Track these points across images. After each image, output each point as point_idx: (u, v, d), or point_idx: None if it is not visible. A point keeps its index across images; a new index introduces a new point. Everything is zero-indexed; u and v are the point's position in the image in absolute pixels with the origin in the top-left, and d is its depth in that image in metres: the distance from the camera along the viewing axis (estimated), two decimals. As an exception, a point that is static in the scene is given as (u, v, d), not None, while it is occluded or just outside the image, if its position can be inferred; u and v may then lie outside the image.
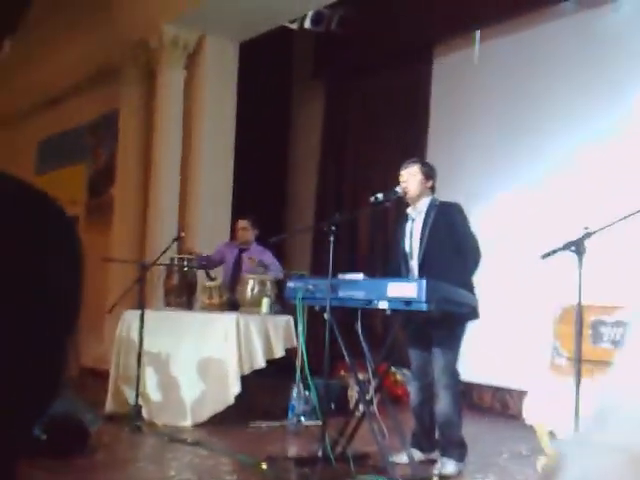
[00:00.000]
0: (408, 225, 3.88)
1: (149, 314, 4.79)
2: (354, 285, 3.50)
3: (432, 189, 3.87)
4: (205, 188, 6.87)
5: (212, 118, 6.92)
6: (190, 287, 5.27)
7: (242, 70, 7.09)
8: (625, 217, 2.29)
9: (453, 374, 3.66)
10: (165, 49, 6.83)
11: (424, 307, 3.15)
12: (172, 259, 5.29)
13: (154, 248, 6.17)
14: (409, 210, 3.88)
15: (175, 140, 6.86)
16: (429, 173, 3.84)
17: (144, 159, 7.10)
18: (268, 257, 5.44)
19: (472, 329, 3.76)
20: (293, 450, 4.17)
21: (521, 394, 5.41)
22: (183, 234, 5.28)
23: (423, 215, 3.80)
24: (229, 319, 4.79)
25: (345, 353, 3.69)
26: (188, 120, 6.90)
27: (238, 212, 6.24)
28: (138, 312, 4.68)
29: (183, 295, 5.21)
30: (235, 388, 4.62)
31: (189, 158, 6.90)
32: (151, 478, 3.39)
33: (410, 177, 3.79)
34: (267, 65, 7.38)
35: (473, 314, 3.62)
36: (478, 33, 6.33)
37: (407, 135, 6.86)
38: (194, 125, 6.94)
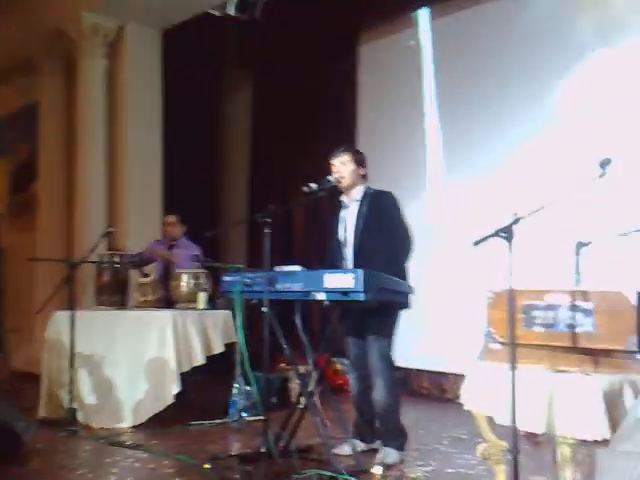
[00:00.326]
0: (342, 214, 3.87)
1: (80, 314, 4.62)
2: (291, 277, 3.47)
3: (365, 177, 3.86)
4: (133, 182, 6.69)
5: (137, 108, 6.73)
6: (122, 285, 5.11)
7: (168, 59, 6.91)
8: (551, 203, 2.32)
9: (389, 362, 3.68)
10: (85, 38, 6.60)
11: (362, 297, 3.15)
12: (102, 256, 5.12)
13: (82, 245, 5.98)
14: (343, 198, 3.87)
15: (99, 132, 6.64)
16: (361, 161, 3.83)
17: (68, 153, 6.86)
18: (193, 251, 5.39)
19: (408, 316, 3.79)
20: (236, 447, 4.11)
21: (457, 378, 5.55)
22: (112, 229, 5.14)
23: (357, 204, 3.79)
24: (165, 316, 4.67)
25: (285, 346, 3.66)
26: (112, 111, 6.69)
27: (170, 207, 6.12)
28: (68, 313, 4.52)
29: (115, 293, 5.05)
30: (174, 387, 4.51)
31: (115, 151, 6.69)
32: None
33: (342, 166, 3.77)
34: (194, 54, 7.22)
35: (407, 302, 3.65)
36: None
37: (337, 123, 6.86)
38: (118, 116, 6.73)
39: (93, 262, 5.03)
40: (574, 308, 2.23)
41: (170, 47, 6.92)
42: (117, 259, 5.11)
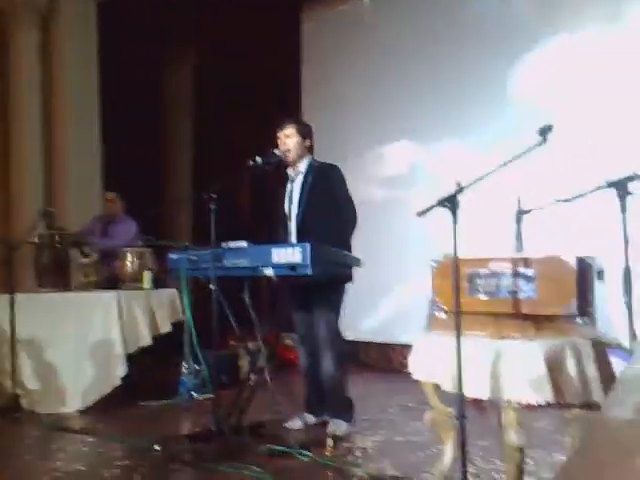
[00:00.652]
0: (288, 187, 3.84)
1: (20, 297, 4.48)
2: (238, 253, 3.42)
3: (310, 149, 3.82)
4: (72, 159, 6.46)
5: (74, 83, 6.48)
6: (63, 266, 4.96)
7: (107, 34, 6.66)
8: (491, 171, 2.34)
9: (337, 336, 3.70)
10: (16, 11, 6.29)
11: (309, 271, 3.13)
12: (41, 236, 4.94)
13: (20, 226, 5.77)
14: (289, 171, 3.84)
15: (34, 108, 6.38)
16: (306, 133, 3.79)
17: (2, 130, 6.56)
18: (130, 226, 5.41)
19: (355, 289, 3.81)
20: (186, 427, 4.07)
21: (404, 349, 5.65)
22: (51, 209, 4.97)
23: (302, 176, 3.76)
24: (109, 297, 4.56)
25: (233, 323, 3.63)
26: (48, 86, 6.43)
27: (111, 184, 5.99)
28: (7, 296, 4.37)
29: (57, 275, 4.90)
30: (121, 369, 4.44)
31: (52, 127, 6.44)
32: (36, 472, 3.18)
33: (287, 138, 3.74)
34: (134, 29, 6.98)
35: (350, 276, 3.66)
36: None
37: (280, 99, 6.79)
38: (54, 91, 6.47)
39: (32, 242, 4.87)
40: (516, 275, 2.27)
41: (108, 21, 6.67)
42: (57, 239, 4.95)
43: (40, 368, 4.62)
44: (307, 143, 3.78)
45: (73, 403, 4.49)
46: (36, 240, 4.90)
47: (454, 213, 2.18)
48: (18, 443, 3.88)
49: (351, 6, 6.43)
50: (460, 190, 2.19)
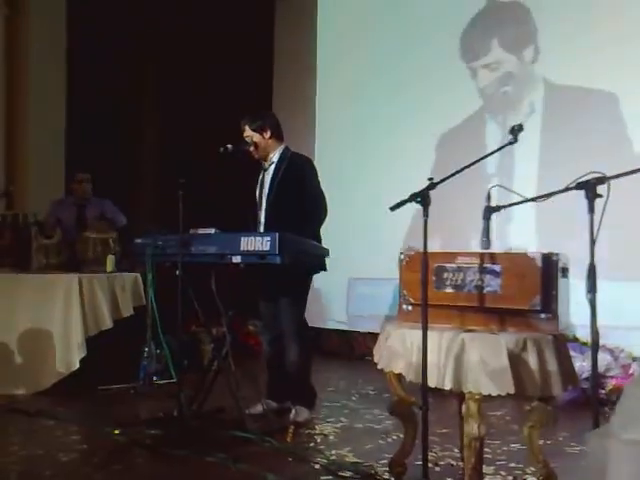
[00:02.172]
0: (261, 176, 3.84)
1: (-23, 278, 4.38)
2: (206, 240, 3.42)
3: (278, 137, 3.81)
4: (34, 138, 6.30)
5: (39, 60, 6.31)
6: (24, 246, 4.85)
7: (74, 9, 6.50)
8: (464, 168, 2.40)
9: (301, 324, 3.74)
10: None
11: (278, 260, 3.15)
12: (3, 216, 4.84)
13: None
14: (263, 160, 3.83)
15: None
16: (263, 126, 3.76)
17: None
18: (109, 206, 5.36)
19: (320, 277, 3.85)
20: (147, 412, 4.04)
21: (366, 337, 5.74)
22: (12, 188, 4.85)
23: (275, 166, 3.77)
24: (70, 279, 4.49)
25: (198, 309, 3.62)
26: (11, 63, 6.24)
27: (73, 166, 5.86)
28: (-37, 277, 4.26)
29: (17, 256, 4.79)
30: (80, 352, 4.39)
31: (14, 104, 6.26)
32: (-10, 455, 3.13)
33: (251, 133, 3.75)
34: (101, 6, 6.82)
35: (321, 265, 3.69)
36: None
37: (252, 89, 6.75)
38: (19, 68, 6.29)
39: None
40: (482, 270, 2.33)
41: (78, 8, 6.51)
42: (20, 219, 4.84)
43: (-3, 350, 4.53)
44: (267, 135, 3.76)
45: (31, 385, 4.41)
46: (-3, 220, 4.79)
47: (425, 208, 2.22)
48: (-29, 426, 3.81)
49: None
50: (432, 186, 2.23)
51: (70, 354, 4.41)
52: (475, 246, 2.40)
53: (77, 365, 4.40)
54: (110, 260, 4.72)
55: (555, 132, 4.86)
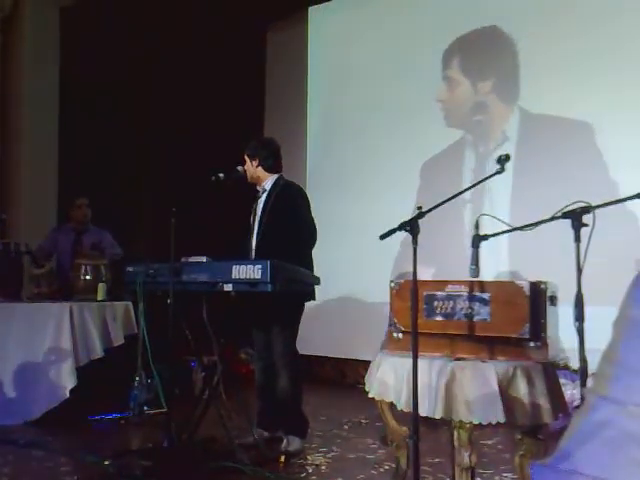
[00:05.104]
0: (255, 204, 3.88)
1: (-32, 307, 4.35)
2: (198, 268, 3.42)
3: (270, 168, 3.84)
4: (28, 165, 6.32)
5: (33, 86, 6.37)
6: (16, 276, 4.84)
7: (68, 36, 6.58)
8: (451, 197, 2.42)
9: (293, 352, 3.73)
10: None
11: (269, 288, 3.15)
12: (-4, 245, 4.83)
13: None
14: (258, 187, 3.89)
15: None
16: (254, 154, 3.82)
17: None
18: (107, 237, 5.31)
19: (312, 304, 3.86)
20: (137, 442, 4.01)
21: (358, 364, 5.72)
22: (4, 216, 4.85)
23: (266, 194, 3.81)
24: (61, 308, 4.48)
25: (189, 337, 3.61)
26: (5, 89, 6.29)
27: (67, 192, 5.86)
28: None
29: (8, 285, 4.77)
30: (70, 381, 4.35)
31: (8, 130, 6.29)
32: (-22, 488, 3.09)
33: (246, 161, 3.83)
34: (96, 32, 6.90)
35: (312, 294, 3.70)
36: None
37: (244, 110, 6.83)
38: (12, 95, 6.33)
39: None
40: (472, 298, 2.34)
41: (70, 25, 6.59)
42: (12, 248, 4.83)
43: (-15, 379, 4.49)
44: (255, 163, 3.81)
45: (20, 415, 4.36)
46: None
47: (414, 237, 2.24)
48: (-40, 457, 3.75)
49: (312, 24, 6.55)
50: (421, 215, 2.25)
51: (60, 383, 4.37)
52: (462, 274, 2.41)
53: (67, 395, 4.35)
54: (101, 288, 4.71)
55: (528, 160, 4.93)
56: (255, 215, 3.85)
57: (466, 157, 5.35)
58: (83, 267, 4.78)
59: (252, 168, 3.82)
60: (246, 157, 3.83)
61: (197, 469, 3.23)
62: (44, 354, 4.42)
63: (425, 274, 2.34)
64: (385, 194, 5.78)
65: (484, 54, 5.44)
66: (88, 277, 4.77)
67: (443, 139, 5.53)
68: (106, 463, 3.36)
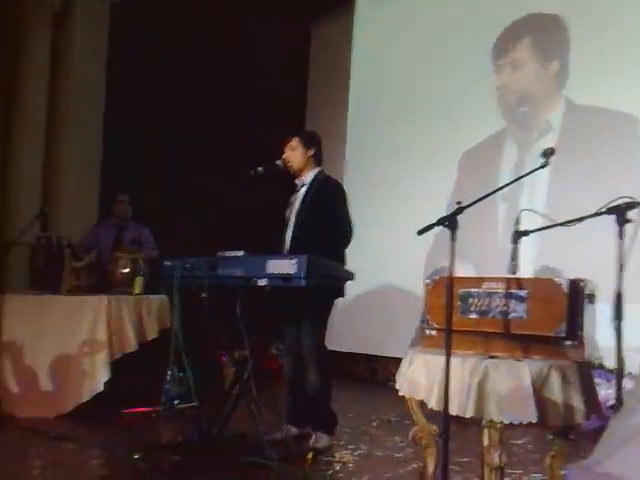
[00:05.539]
0: (292, 197, 3.91)
1: (9, 299, 4.45)
2: (233, 262, 3.45)
3: (318, 160, 3.87)
4: (71, 161, 6.48)
5: (81, 82, 6.54)
6: (56, 269, 4.94)
7: (117, 34, 6.75)
8: (491, 192, 2.41)
9: (322, 348, 3.73)
10: (29, 9, 6.36)
11: (303, 283, 3.16)
12: (38, 238, 4.94)
13: (13, 225, 5.77)
14: (296, 181, 3.90)
15: (39, 105, 6.41)
16: (309, 142, 3.85)
17: (3, 127, 6.58)
18: (145, 233, 5.40)
19: (342, 300, 3.85)
20: (168, 436, 4.05)
21: (388, 361, 5.68)
22: (46, 210, 4.97)
23: (306, 188, 3.82)
24: (98, 301, 4.55)
25: (223, 332, 3.64)
26: (53, 84, 6.48)
27: (109, 187, 5.98)
28: (-5, 297, 4.34)
29: (49, 277, 4.88)
30: (104, 374, 4.41)
31: (54, 125, 6.47)
32: (12, 478, 3.14)
33: (291, 151, 3.81)
34: (144, 28, 7.05)
35: (341, 291, 3.70)
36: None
37: (285, 105, 6.87)
38: (60, 90, 6.51)
39: (28, 244, 4.87)
40: (508, 295, 2.32)
41: (119, 21, 6.76)
42: (54, 241, 4.94)
43: (23, 371, 4.57)
44: (311, 152, 3.83)
45: (54, 408, 4.43)
46: (31, 241, 4.90)
47: (453, 232, 2.23)
48: (-5, 448, 3.83)
49: (358, 16, 6.57)
50: (460, 210, 2.24)
51: (94, 377, 4.43)
52: (499, 271, 2.39)
53: (101, 388, 4.41)
54: (138, 282, 4.78)
55: (570, 152, 4.85)
56: (292, 208, 3.86)
57: (505, 150, 5.30)
58: (122, 260, 4.87)
59: (303, 156, 3.81)
60: (298, 143, 3.81)
61: (226, 464, 3.24)
62: (80, 347, 4.49)
63: (458, 270, 2.32)
64: (421, 189, 5.75)
65: (534, 42, 5.37)
66: (126, 270, 4.86)
67: (482, 131, 5.49)
68: (136, 457, 3.39)
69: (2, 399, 4.37)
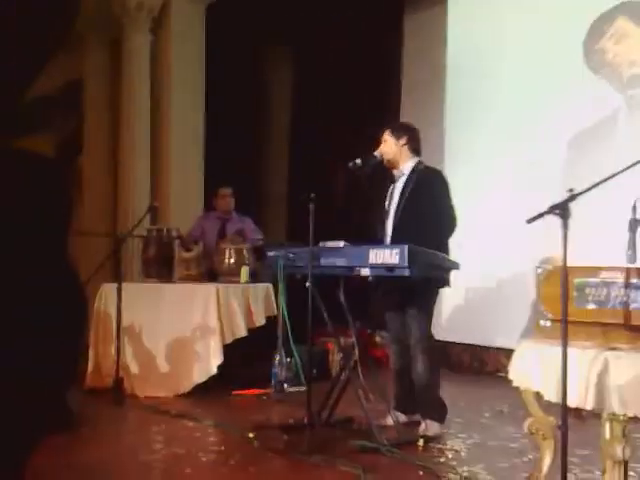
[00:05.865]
0: (391, 188, 3.89)
1: (127, 287, 4.73)
2: (335, 253, 3.49)
3: (414, 150, 3.83)
4: (177, 157, 6.76)
5: (181, 85, 6.79)
6: (168, 259, 5.20)
7: (212, 34, 6.92)
8: (607, 178, 2.29)
9: (428, 337, 3.71)
10: (129, 14, 6.64)
11: (407, 273, 3.16)
12: (149, 231, 5.21)
13: (126, 219, 6.09)
14: (395, 172, 3.88)
15: (143, 107, 6.70)
16: (400, 133, 3.81)
17: (112, 128, 6.95)
18: (249, 224, 5.53)
19: (450, 290, 3.80)
20: (278, 418, 4.19)
21: (498, 352, 5.57)
22: (156, 204, 5.21)
23: (405, 178, 3.79)
24: (208, 289, 4.76)
25: (327, 320, 3.70)
26: (156, 86, 6.75)
27: (211, 182, 6.18)
28: (115, 285, 4.61)
29: (161, 267, 5.14)
30: (217, 358, 4.62)
31: (159, 127, 6.75)
32: (139, 453, 3.37)
33: (384, 143, 3.80)
34: (237, 28, 7.20)
35: (448, 279, 3.65)
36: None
37: (380, 95, 6.80)
38: (162, 93, 6.79)
39: (140, 236, 5.14)
40: (628, 285, 2.21)
41: (212, 22, 6.92)
42: (165, 233, 5.18)
43: (143, 354, 4.87)
44: (402, 142, 3.79)
45: (172, 388, 4.70)
46: (143, 234, 5.17)
47: (565, 221, 2.15)
48: (120, 424, 4.11)
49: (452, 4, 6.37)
50: (572, 197, 2.15)
51: (208, 360, 4.65)
52: (616, 260, 2.28)
53: (215, 371, 4.63)
54: (244, 271, 4.94)
55: None
56: (391, 199, 3.84)
57: (619, 131, 5.00)
58: (227, 251, 5.05)
59: (396, 147, 3.79)
60: (389, 136, 3.80)
61: (337, 447, 3.32)
62: (194, 332, 4.72)
63: (575, 259, 2.23)
64: (527, 174, 5.53)
65: (632, 15, 5.03)
66: (232, 261, 5.03)
67: (593, 112, 5.20)
68: (250, 436, 3.54)
69: (124, 380, 4.66)
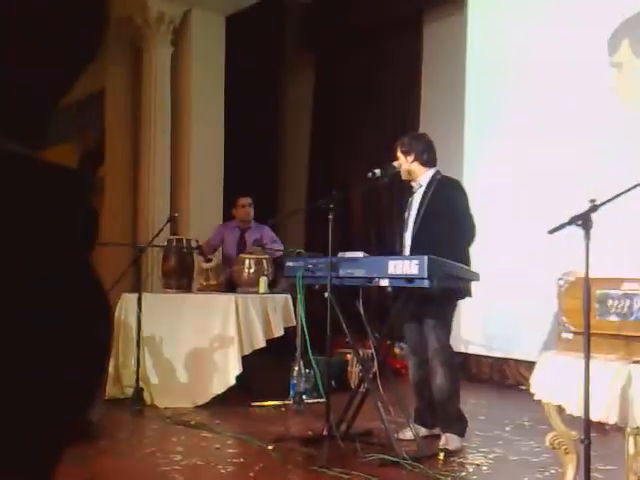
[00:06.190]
0: (410, 199, 3.88)
1: (147, 297, 4.75)
2: (354, 263, 3.48)
3: (427, 161, 3.81)
4: (196, 167, 6.82)
5: (201, 94, 6.86)
6: (188, 269, 5.22)
7: (231, 45, 6.99)
8: (629, 189, 2.26)
9: (447, 349, 3.68)
10: (150, 25, 6.74)
11: (426, 284, 3.14)
12: (169, 241, 5.24)
13: (147, 230, 6.13)
14: (413, 183, 3.87)
15: (164, 117, 6.79)
16: (408, 149, 3.79)
17: (133, 138, 7.03)
18: (267, 232, 5.53)
19: (469, 301, 3.77)
20: (297, 429, 4.16)
21: (518, 364, 5.50)
22: (176, 214, 5.24)
23: (423, 189, 3.78)
24: (227, 300, 4.77)
25: (346, 331, 3.68)
26: (176, 97, 6.82)
27: (230, 191, 6.20)
28: (135, 295, 4.64)
29: (182, 277, 5.16)
30: (236, 369, 4.61)
31: (179, 137, 6.82)
32: (159, 464, 3.37)
33: (401, 155, 3.82)
34: (257, 39, 7.27)
35: (468, 290, 3.61)
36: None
37: (399, 103, 6.79)
38: (183, 103, 6.85)
39: (159, 246, 5.16)
40: (652, 297, 2.17)
41: (232, 32, 6.99)
42: (185, 244, 5.21)
43: (162, 364, 4.89)
44: (410, 159, 3.77)
45: (191, 399, 4.70)
46: (163, 244, 5.20)
47: (587, 232, 2.12)
48: (139, 435, 4.11)
49: (472, 10, 6.35)
50: (594, 208, 2.12)
51: (227, 371, 4.65)
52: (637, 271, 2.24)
53: (233, 381, 4.62)
54: (263, 281, 4.95)
55: None
56: (410, 211, 3.83)
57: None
58: (246, 261, 5.06)
59: (407, 164, 3.79)
60: (400, 154, 3.80)
61: (357, 460, 3.29)
62: (213, 342, 4.73)
63: (596, 270, 2.20)
64: (550, 180, 5.46)
65: None
66: (251, 271, 5.04)
67: (617, 123, 5.13)
68: (270, 447, 3.52)
69: (144, 390, 4.68)
